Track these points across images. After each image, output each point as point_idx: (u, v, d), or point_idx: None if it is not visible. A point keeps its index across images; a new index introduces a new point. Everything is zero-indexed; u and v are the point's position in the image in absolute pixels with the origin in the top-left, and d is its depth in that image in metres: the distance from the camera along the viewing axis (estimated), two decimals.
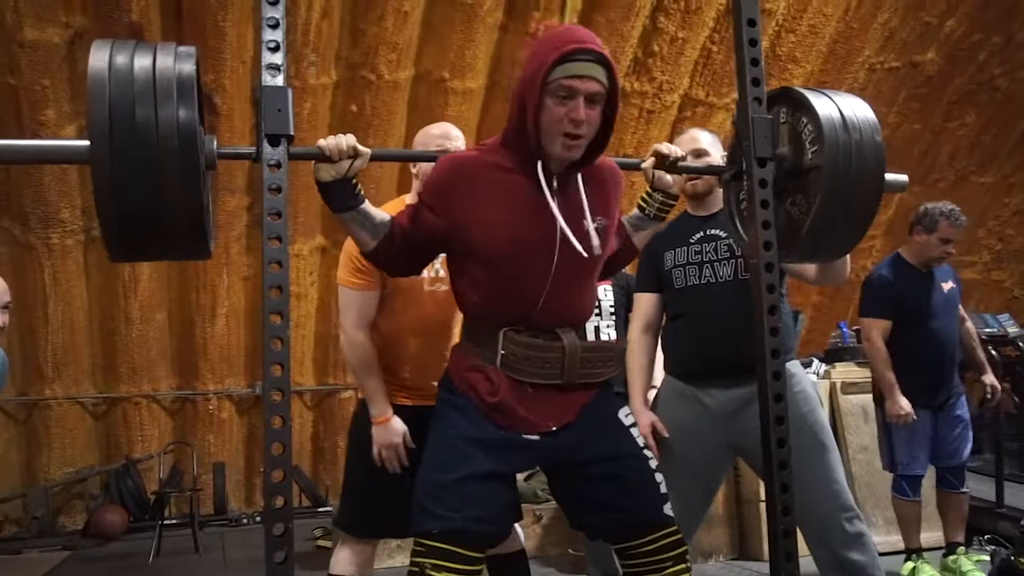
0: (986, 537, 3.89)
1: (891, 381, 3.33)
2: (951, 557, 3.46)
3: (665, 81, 5.95)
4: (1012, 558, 3.18)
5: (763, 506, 3.78)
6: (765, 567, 3.34)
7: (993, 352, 4.68)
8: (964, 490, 3.44)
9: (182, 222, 1.45)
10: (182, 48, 1.49)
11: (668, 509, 1.71)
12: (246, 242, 5.85)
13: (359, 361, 2.27)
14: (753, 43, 1.79)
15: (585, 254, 1.64)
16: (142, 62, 1.42)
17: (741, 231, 1.99)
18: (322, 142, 1.60)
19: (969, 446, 3.39)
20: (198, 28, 4.96)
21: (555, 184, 1.63)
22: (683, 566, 1.68)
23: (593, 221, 1.66)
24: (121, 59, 1.42)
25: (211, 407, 6.12)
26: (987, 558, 3.55)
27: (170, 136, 1.40)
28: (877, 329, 3.42)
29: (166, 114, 1.40)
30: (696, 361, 2.39)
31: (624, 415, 1.79)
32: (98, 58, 1.41)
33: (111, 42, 1.45)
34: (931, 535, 3.75)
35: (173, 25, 5.00)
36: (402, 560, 3.98)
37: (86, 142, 1.41)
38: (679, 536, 1.70)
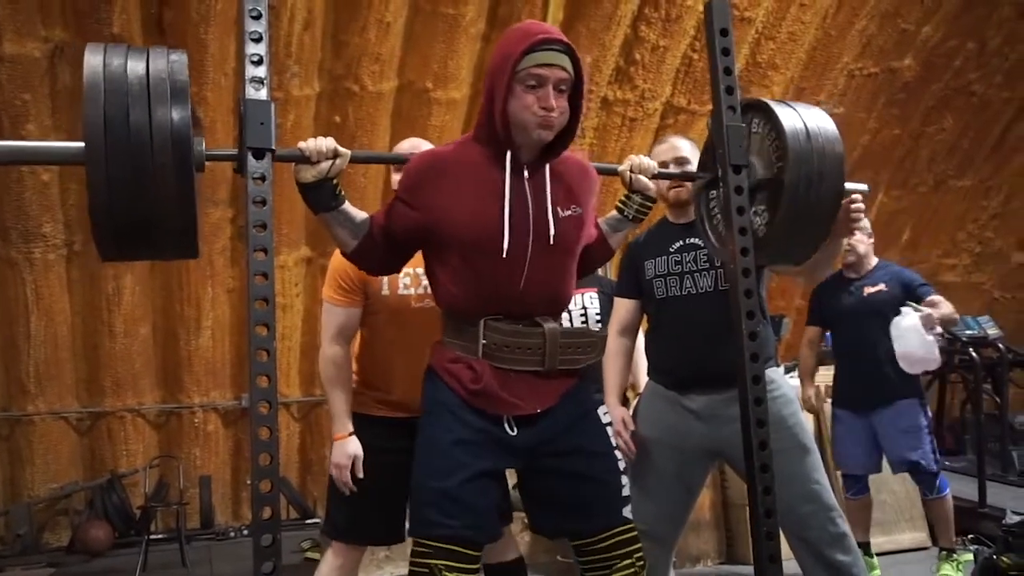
0: (969, 537, 3.94)
1: (807, 371, 3.76)
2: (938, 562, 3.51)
3: (647, 89, 6.00)
4: (995, 557, 3.21)
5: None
6: (752, 570, 3.35)
7: (974, 354, 4.74)
8: (935, 496, 3.41)
9: (175, 222, 1.48)
10: (175, 55, 1.51)
11: (627, 512, 1.79)
12: (230, 254, 5.84)
13: (329, 376, 2.30)
14: (726, 52, 1.82)
15: (552, 241, 1.68)
16: (135, 65, 1.44)
17: (712, 238, 2.03)
18: (302, 144, 1.63)
19: (923, 451, 3.34)
20: (180, 41, 4.95)
21: (525, 174, 1.68)
22: (630, 562, 1.71)
23: (565, 210, 1.70)
24: (115, 62, 1.43)
25: (197, 420, 6.09)
26: (969, 558, 3.60)
27: (164, 137, 1.42)
28: (807, 336, 3.73)
29: (160, 116, 1.42)
30: (677, 371, 2.42)
31: (602, 412, 1.84)
32: (93, 62, 1.43)
33: (104, 46, 1.47)
34: (917, 535, 3.79)
35: (155, 38, 4.99)
36: (391, 570, 3.97)
37: (81, 143, 1.42)
38: (633, 535, 1.74)
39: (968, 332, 5.38)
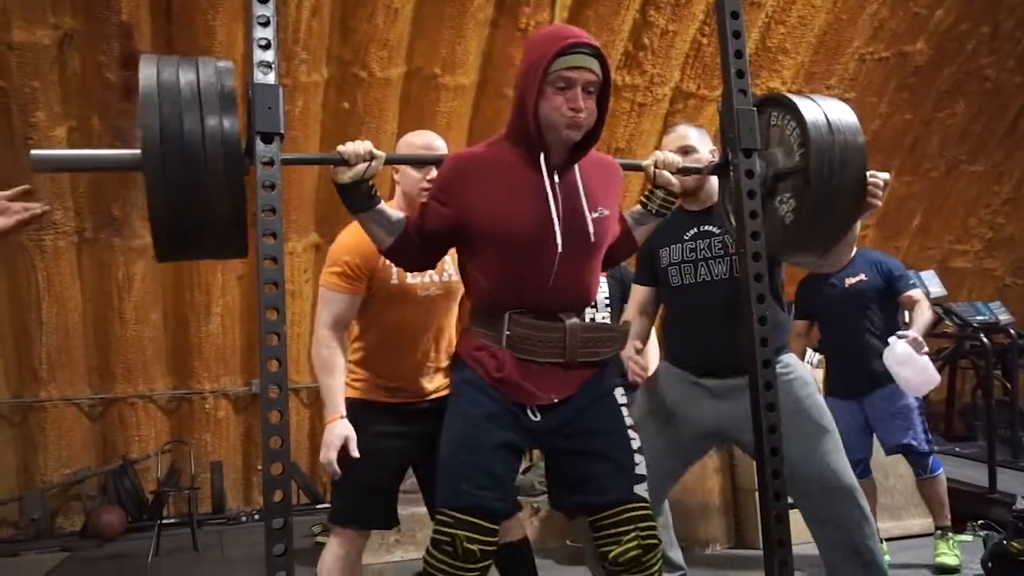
0: (979, 522, 3.94)
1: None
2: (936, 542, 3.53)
3: (656, 74, 5.97)
4: (1004, 542, 3.22)
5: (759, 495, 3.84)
6: (761, 555, 3.36)
7: (985, 340, 4.72)
8: (928, 476, 3.48)
9: (226, 224, 1.55)
10: (221, 63, 1.59)
11: (641, 490, 1.79)
12: None
13: (323, 360, 2.28)
14: (737, 35, 1.81)
15: (587, 240, 1.74)
16: (187, 76, 1.52)
17: (733, 223, 2.03)
18: (341, 147, 1.67)
19: (914, 432, 3.42)
20: (188, 27, 4.96)
21: (556, 176, 1.73)
22: (635, 535, 1.73)
23: (593, 211, 1.75)
24: (167, 74, 1.51)
25: (207, 406, 6.13)
26: (970, 539, 3.66)
27: (216, 145, 1.50)
28: (795, 330, 3.60)
29: (212, 124, 1.50)
30: (692, 358, 2.44)
31: (619, 394, 1.87)
32: (147, 73, 1.51)
33: (157, 58, 1.54)
34: (926, 521, 3.79)
35: (163, 25, 4.99)
36: (400, 554, 4.00)
37: (138, 151, 1.49)
38: (645, 512, 1.77)
39: (979, 318, 5.36)
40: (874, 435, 3.55)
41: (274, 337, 1.56)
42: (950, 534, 3.49)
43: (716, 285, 2.37)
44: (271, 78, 1.60)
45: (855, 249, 3.60)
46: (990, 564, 3.19)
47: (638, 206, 1.95)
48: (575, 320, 1.78)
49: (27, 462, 5.88)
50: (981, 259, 7.80)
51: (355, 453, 2.17)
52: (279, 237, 1.60)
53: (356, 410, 2.28)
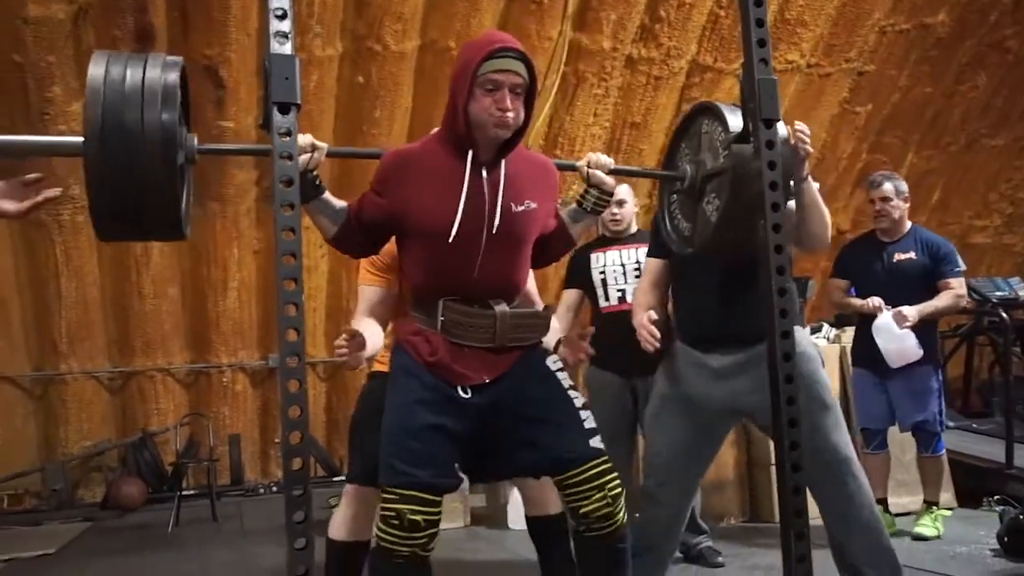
0: (996, 497, 3.94)
1: (848, 303, 3.66)
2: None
3: (672, 47, 5.90)
4: (1021, 517, 3.21)
5: (774, 470, 3.83)
6: (775, 528, 3.36)
7: (1004, 315, 4.68)
8: (931, 454, 3.53)
9: (161, 209, 1.63)
10: (170, 58, 1.67)
11: (596, 442, 1.88)
12: (256, 215, 5.88)
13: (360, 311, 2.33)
14: (758, 3, 1.78)
15: (511, 233, 1.87)
16: (134, 72, 1.61)
17: (668, 228, 2.21)
18: None
19: (930, 412, 3.45)
20: (202, 1, 4.94)
21: (484, 172, 1.85)
22: (602, 495, 1.83)
23: (519, 204, 1.87)
24: (115, 69, 1.61)
25: (225, 380, 6.19)
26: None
27: (154, 136, 1.57)
28: (834, 285, 3.75)
29: (151, 116, 1.58)
30: (697, 329, 2.48)
31: (551, 362, 1.98)
32: (96, 68, 1.60)
33: (108, 54, 1.63)
34: (944, 496, 3.79)
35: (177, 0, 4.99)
36: None
37: (80, 138, 1.59)
38: (606, 466, 1.86)
39: (998, 294, 5.30)
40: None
41: (292, 307, 1.57)
42: (935, 508, 3.55)
43: (712, 260, 2.40)
44: (287, 48, 1.59)
45: (909, 224, 3.61)
46: (1006, 538, 3.19)
47: (574, 204, 2.07)
48: (504, 308, 1.89)
49: (48, 434, 5.98)
50: (1001, 234, 7.72)
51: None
52: (297, 208, 1.60)
53: (383, 381, 2.28)
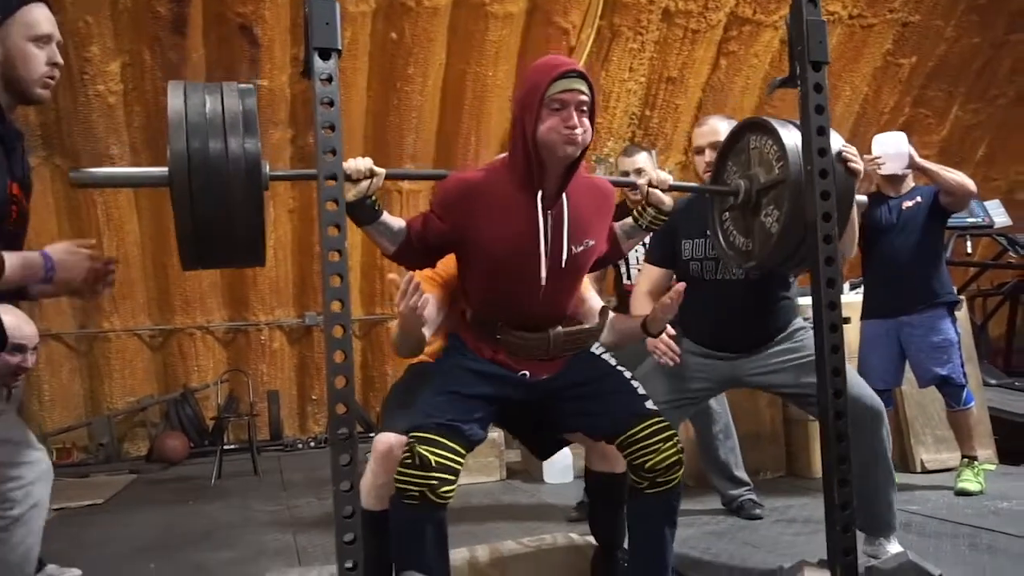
0: None
1: None
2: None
3: None
4: None
5: (810, 425, 3.83)
6: (811, 483, 3.36)
7: None
8: (961, 408, 3.49)
9: (245, 237, 1.63)
10: (242, 85, 1.65)
11: (651, 404, 1.95)
12: None
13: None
14: None
15: (571, 272, 1.93)
16: (212, 100, 1.60)
17: (724, 245, 2.21)
18: (344, 164, 1.70)
19: (953, 365, 3.44)
20: None
21: (548, 211, 1.88)
22: (672, 444, 1.88)
23: (579, 244, 1.92)
24: (195, 98, 1.59)
25: (263, 338, 6.28)
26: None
27: (239, 164, 1.57)
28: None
29: (235, 145, 1.57)
30: (708, 341, 2.54)
31: (595, 347, 2.07)
32: (175, 98, 1.58)
33: (183, 84, 1.62)
34: (983, 452, 3.75)
35: None
36: None
37: (164, 169, 1.56)
38: (666, 423, 1.91)
39: None
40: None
41: (337, 278, 1.59)
42: (976, 463, 3.51)
43: (734, 285, 2.48)
44: None
45: (913, 184, 3.62)
46: None
47: (629, 219, 2.08)
48: (559, 330, 1.97)
49: (94, 390, 6.13)
50: None
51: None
52: (339, 153, 1.61)
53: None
